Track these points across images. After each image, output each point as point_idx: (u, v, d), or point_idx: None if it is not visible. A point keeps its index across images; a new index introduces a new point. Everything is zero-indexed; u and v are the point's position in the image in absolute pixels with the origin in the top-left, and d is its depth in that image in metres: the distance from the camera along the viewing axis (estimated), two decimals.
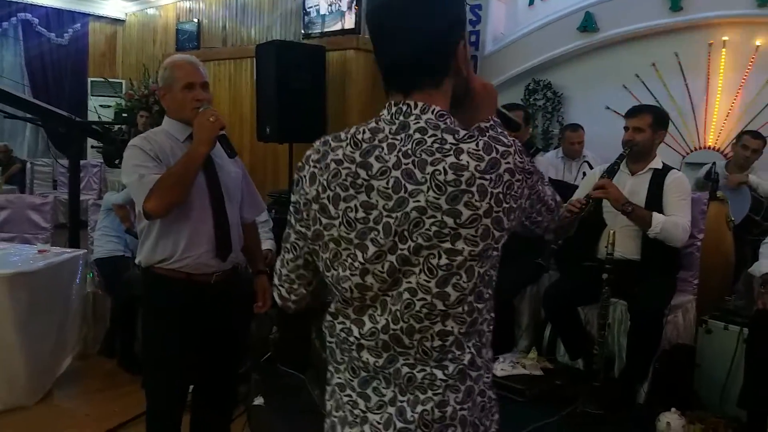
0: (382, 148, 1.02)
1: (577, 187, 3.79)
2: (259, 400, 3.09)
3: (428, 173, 0.97)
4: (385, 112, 1.06)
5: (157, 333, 2.19)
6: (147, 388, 2.26)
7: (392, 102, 1.06)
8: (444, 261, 0.99)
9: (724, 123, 4.71)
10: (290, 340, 3.70)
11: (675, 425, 2.61)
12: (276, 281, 1.21)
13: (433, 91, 1.05)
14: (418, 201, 0.97)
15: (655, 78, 4.99)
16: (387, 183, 1.00)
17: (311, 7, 5.87)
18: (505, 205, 0.99)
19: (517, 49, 5.62)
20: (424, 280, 1.00)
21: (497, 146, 0.99)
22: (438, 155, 0.97)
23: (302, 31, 6.01)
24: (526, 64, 5.55)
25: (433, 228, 0.97)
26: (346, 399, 1.10)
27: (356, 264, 1.03)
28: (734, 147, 4.29)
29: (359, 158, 1.03)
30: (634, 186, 3.13)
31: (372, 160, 1.02)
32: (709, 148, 4.81)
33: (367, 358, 1.07)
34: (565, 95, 5.51)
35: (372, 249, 1.01)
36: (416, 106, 1.03)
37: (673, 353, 3.02)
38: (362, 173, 1.02)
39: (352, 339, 1.08)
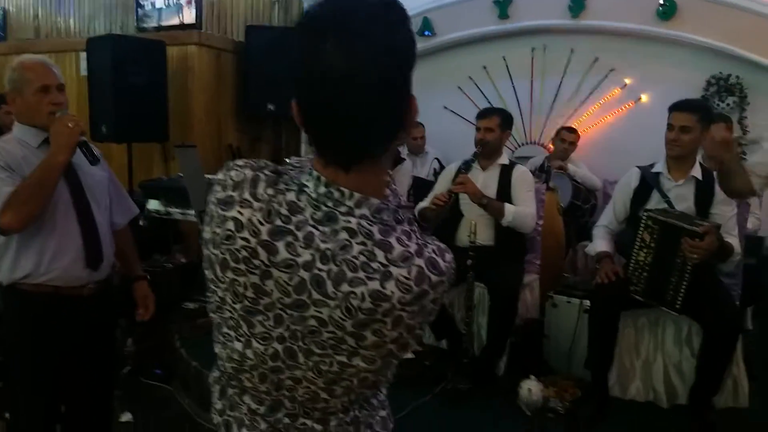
0: (297, 237, 0.85)
1: (431, 182, 4.06)
2: (126, 417, 2.91)
3: (342, 292, 0.83)
4: (311, 185, 0.88)
5: (24, 355, 1.99)
6: (13, 414, 2.04)
7: (323, 177, 0.87)
8: (335, 368, 0.90)
9: (546, 120, 5.26)
10: (149, 351, 3.52)
11: (535, 390, 2.90)
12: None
13: (376, 167, 0.89)
14: (320, 313, 0.85)
15: (487, 80, 5.43)
16: (290, 279, 0.85)
17: (145, 0, 5.55)
18: (417, 331, 0.90)
19: None
20: (311, 377, 0.91)
21: (431, 275, 0.85)
22: (361, 275, 0.83)
23: (136, 25, 5.65)
24: None
25: (330, 341, 0.87)
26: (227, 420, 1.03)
27: (240, 332, 0.93)
28: (554, 141, 4.83)
29: (265, 236, 0.85)
30: (485, 180, 3.43)
31: (280, 245, 0.85)
32: (535, 143, 5.35)
33: (249, 403, 0.99)
34: None
35: (259, 329, 0.90)
36: (351, 196, 0.86)
37: (526, 327, 3.35)
38: (263, 255, 0.85)
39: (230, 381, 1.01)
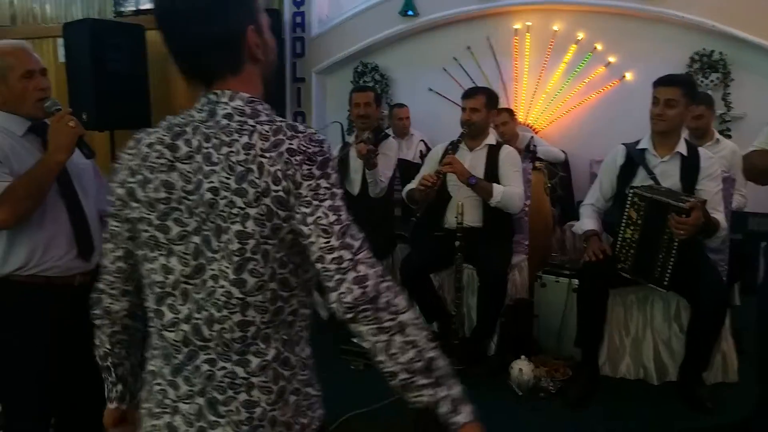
0: (189, 132, 1.04)
1: (417, 164, 4.04)
2: None
3: (224, 154, 1.00)
4: (197, 105, 1.07)
5: (15, 346, 1.95)
6: (7, 405, 2.01)
7: (203, 93, 1.08)
8: (237, 245, 0.99)
9: (531, 100, 5.25)
10: (145, 342, 3.49)
11: (526, 370, 2.92)
12: (100, 273, 1.18)
13: (234, 80, 1.06)
14: (212, 182, 0.99)
15: (471, 60, 5.40)
16: (189, 167, 1.02)
17: None
18: (284, 183, 0.98)
19: (344, 32, 5.73)
20: (224, 267, 1.00)
21: (288, 130, 1.01)
22: (235, 136, 1.00)
23: (113, 9, 5.54)
24: (353, 47, 5.68)
25: (226, 209, 0.99)
26: (156, 387, 1.07)
27: (160, 245, 1.04)
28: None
29: (168, 140, 1.04)
30: (473, 161, 3.41)
31: (180, 142, 1.03)
32: (520, 123, 5.32)
33: (170, 352, 1.06)
34: (392, 77, 5.75)
35: (175, 229, 1.03)
36: (224, 94, 1.05)
37: (515, 307, 3.35)
38: (167, 154, 1.03)
39: (154, 330, 1.08)
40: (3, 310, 1.98)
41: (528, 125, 5.28)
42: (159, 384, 1.07)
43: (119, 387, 1.23)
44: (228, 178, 0.98)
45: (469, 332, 3.35)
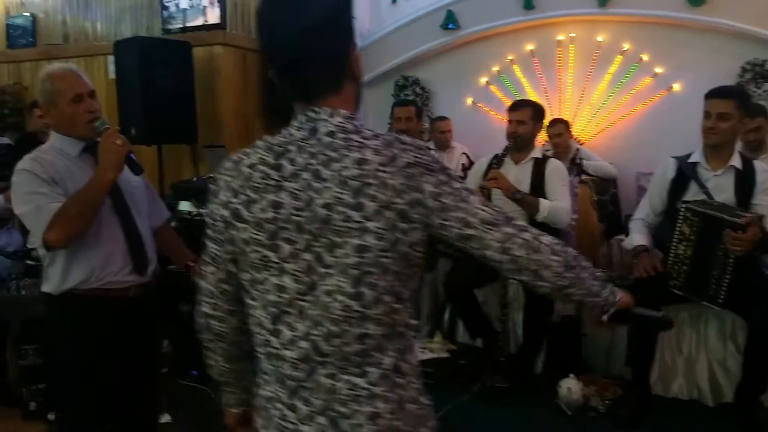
0: (292, 151, 1.04)
1: (460, 177, 3.99)
2: (165, 418, 2.93)
3: (335, 170, 1.01)
4: (295, 123, 1.07)
5: (74, 357, 2.00)
6: (63, 415, 2.07)
7: (300, 111, 1.08)
8: (355, 259, 1.01)
9: (575, 113, 5.18)
10: (187, 352, 3.54)
11: (575, 389, 2.87)
12: (200, 297, 1.17)
13: (335, 98, 1.07)
14: (325, 198, 1.01)
15: (513, 73, 5.36)
16: (297, 185, 1.02)
17: (170, 1, 5.57)
18: (408, 196, 1.01)
19: (385, 46, 5.75)
20: (340, 281, 1.02)
21: (398, 144, 1.05)
22: (343, 152, 1.02)
23: (161, 27, 5.68)
24: (394, 61, 5.70)
25: (341, 223, 1.00)
26: (275, 412, 1.08)
27: (271, 264, 1.04)
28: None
29: (272, 161, 1.05)
30: (518, 175, 3.36)
31: (284, 162, 1.04)
32: None
33: (289, 371, 1.06)
34: (433, 91, 5.75)
35: (286, 248, 1.03)
36: (324, 111, 1.06)
37: (563, 325, 3.29)
38: (273, 174, 1.04)
39: (272, 350, 1.08)
40: (61, 321, 2.04)
41: (573, 137, 5.20)
42: (278, 408, 1.08)
43: (239, 395, 1.28)
44: (342, 194, 1.00)
45: (515, 349, 3.30)
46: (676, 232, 2.85)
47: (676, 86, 4.82)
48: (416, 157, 1.04)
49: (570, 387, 2.87)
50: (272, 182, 1.03)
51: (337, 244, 1.00)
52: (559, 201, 3.26)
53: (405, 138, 1.07)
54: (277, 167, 1.04)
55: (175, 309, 3.76)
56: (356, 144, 1.02)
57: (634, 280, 3.01)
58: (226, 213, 1.07)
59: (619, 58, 4.97)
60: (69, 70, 2.02)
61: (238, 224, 1.05)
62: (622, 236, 3.59)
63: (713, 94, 2.87)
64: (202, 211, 4.18)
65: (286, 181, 1.02)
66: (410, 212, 1.01)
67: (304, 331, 1.04)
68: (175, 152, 5.19)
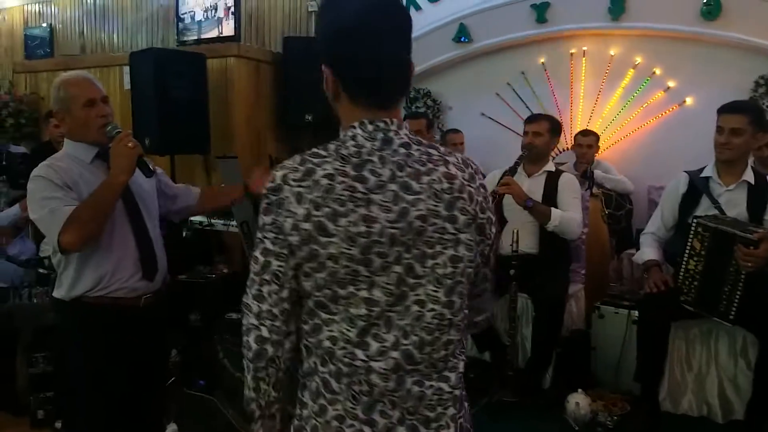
0: (374, 162, 1.04)
1: None
2: (172, 427, 2.94)
3: (425, 183, 1.04)
4: (358, 129, 1.06)
5: (84, 366, 2.02)
6: (72, 423, 2.09)
7: (364, 120, 1.06)
8: (449, 267, 1.05)
9: (587, 126, 5.16)
10: (195, 362, 3.56)
11: (583, 404, 2.84)
12: (253, 321, 1.08)
13: (398, 109, 1.11)
14: (420, 210, 1.03)
15: (525, 86, 5.36)
16: (385, 196, 1.02)
17: (185, 13, 5.64)
18: (488, 213, 1.11)
19: None
20: (432, 290, 1.05)
21: (471, 163, 1.13)
22: (430, 166, 1.05)
23: (176, 38, 5.76)
24: None
25: (436, 235, 1.04)
26: (349, 430, 1.06)
27: (360, 278, 1.03)
28: (573, 147, 4.75)
29: (353, 172, 1.03)
30: (530, 187, 3.36)
31: (366, 173, 1.03)
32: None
33: (377, 382, 1.05)
34: (444, 103, 5.76)
35: (377, 261, 1.02)
36: (393, 122, 1.06)
37: (572, 339, 3.27)
38: (359, 187, 1.02)
39: (358, 363, 1.05)
40: (71, 329, 2.06)
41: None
42: (352, 426, 1.06)
43: (281, 426, 1.16)
44: (437, 206, 1.04)
45: (523, 363, 3.28)
46: (687, 247, 2.84)
47: (689, 100, 4.79)
48: (482, 179, 1.14)
49: (578, 402, 2.84)
50: (359, 194, 1.02)
51: (429, 255, 1.04)
52: (571, 212, 3.25)
53: (467, 159, 1.13)
54: (361, 179, 1.02)
55: (185, 318, 3.79)
56: (438, 158, 1.07)
57: (644, 295, 2.99)
58: (307, 226, 1.02)
59: (631, 72, 4.95)
60: (82, 77, 2.07)
61: (323, 239, 1.01)
62: (632, 250, 3.58)
63: (726, 109, 2.86)
64: (213, 221, 4.22)
65: (373, 193, 1.02)
66: (486, 227, 1.10)
67: (392, 342, 1.04)
68: (188, 162, 5.23)
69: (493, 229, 1.15)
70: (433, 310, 1.05)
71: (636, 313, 3.04)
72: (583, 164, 4.51)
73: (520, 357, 3.32)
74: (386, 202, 1.02)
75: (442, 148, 1.10)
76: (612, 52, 5.01)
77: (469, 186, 1.07)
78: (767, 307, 2.70)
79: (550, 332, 3.12)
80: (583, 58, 5.12)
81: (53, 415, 3.02)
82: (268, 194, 1.06)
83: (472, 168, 1.11)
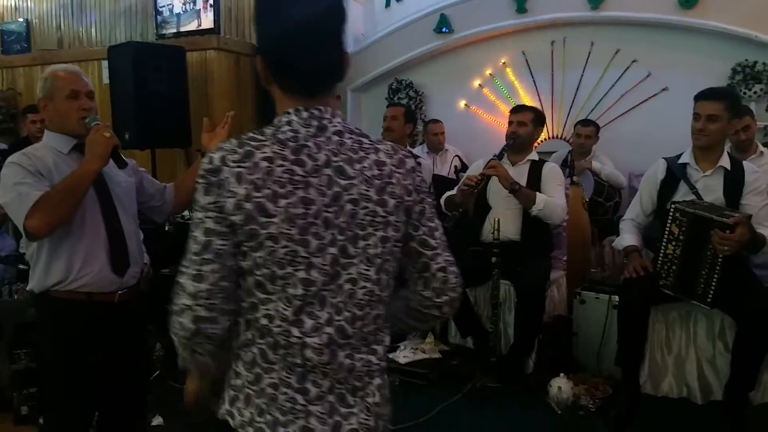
0: (310, 147, 1.08)
1: (452, 180, 4.04)
2: (157, 420, 2.93)
3: (357, 169, 1.10)
4: (293, 116, 1.10)
5: (58, 362, 2.01)
6: (47, 420, 2.07)
7: (300, 107, 1.10)
8: (380, 249, 1.12)
9: (568, 114, 5.20)
10: (178, 355, 3.55)
11: (565, 388, 2.88)
12: (187, 301, 1.07)
13: (331, 97, 1.15)
14: (352, 194, 1.08)
15: (507, 75, 5.39)
16: (321, 181, 1.07)
17: (163, 6, 5.59)
18: (414, 195, 1.16)
19: (379, 50, 5.77)
20: (364, 269, 1.11)
21: (401, 150, 1.19)
22: (362, 153, 1.11)
23: (155, 31, 5.70)
24: (388, 64, 5.73)
25: (367, 218, 1.10)
26: (282, 397, 1.10)
27: (298, 259, 1.06)
28: (573, 137, 4.78)
29: (291, 156, 1.07)
30: (515, 175, 3.38)
31: (304, 157, 1.07)
32: (557, 137, 5.28)
33: (311, 356, 1.09)
34: (427, 94, 5.77)
35: (314, 243, 1.07)
36: (327, 110, 1.12)
37: (553, 324, 3.31)
38: (298, 170, 1.06)
39: (293, 339, 1.09)
40: (46, 326, 2.05)
41: (565, 139, 5.22)
42: (285, 393, 1.10)
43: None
44: (368, 190, 1.09)
45: (506, 349, 3.31)
46: (666, 233, 2.87)
47: (668, 88, 4.84)
48: (415, 164, 1.18)
49: (560, 386, 2.88)
50: (298, 177, 1.06)
51: (360, 237, 1.09)
52: (555, 198, 3.28)
53: (401, 147, 1.19)
54: (299, 162, 1.06)
55: (168, 312, 3.77)
56: (369, 146, 1.13)
57: (624, 281, 3.02)
58: (248, 206, 1.03)
59: (610, 61, 4.99)
60: (72, 70, 2.07)
61: (263, 219, 1.04)
62: (613, 237, 3.61)
63: (702, 96, 2.89)
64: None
65: (311, 177, 1.06)
66: (413, 210, 1.15)
67: (326, 318, 1.09)
68: (168, 156, 5.20)
69: (426, 211, 1.18)
70: (364, 287, 1.11)
71: (616, 298, 3.09)
72: (580, 154, 4.53)
73: (502, 343, 3.36)
74: (321, 186, 1.07)
75: (373, 137, 1.16)
76: (592, 41, 5.04)
77: (397, 171, 1.13)
78: (744, 290, 2.75)
79: (533, 318, 3.16)
80: (564, 48, 5.15)
81: (37, 411, 3.01)
82: (206, 175, 1.06)
83: (401, 154, 1.16)
